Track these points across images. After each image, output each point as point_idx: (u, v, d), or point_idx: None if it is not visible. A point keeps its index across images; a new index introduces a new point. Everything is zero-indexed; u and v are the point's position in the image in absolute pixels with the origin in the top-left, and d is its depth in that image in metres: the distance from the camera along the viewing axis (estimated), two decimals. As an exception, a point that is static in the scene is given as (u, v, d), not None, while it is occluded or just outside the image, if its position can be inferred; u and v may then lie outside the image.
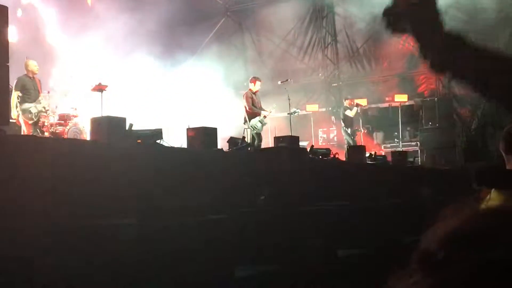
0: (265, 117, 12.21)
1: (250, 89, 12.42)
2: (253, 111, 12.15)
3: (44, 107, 11.26)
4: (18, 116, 10.77)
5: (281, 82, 12.82)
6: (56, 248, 4.56)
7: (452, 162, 14.68)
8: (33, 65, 11.24)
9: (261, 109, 12.32)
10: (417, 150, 16.54)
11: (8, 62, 5.66)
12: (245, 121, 12.23)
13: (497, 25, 15.43)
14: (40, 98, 11.19)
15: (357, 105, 14.92)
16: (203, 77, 18.68)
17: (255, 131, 12.09)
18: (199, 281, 5.51)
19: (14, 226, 4.45)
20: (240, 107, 12.84)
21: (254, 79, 12.47)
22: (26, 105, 10.86)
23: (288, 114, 12.83)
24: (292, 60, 20.38)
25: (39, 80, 11.46)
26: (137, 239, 5.22)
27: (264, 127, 12.40)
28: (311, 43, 20.42)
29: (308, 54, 20.45)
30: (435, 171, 12.84)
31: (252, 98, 12.24)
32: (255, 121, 12.06)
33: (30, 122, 10.91)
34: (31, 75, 11.16)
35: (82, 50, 16.39)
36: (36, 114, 10.96)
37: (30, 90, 11.01)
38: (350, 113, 14.69)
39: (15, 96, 10.65)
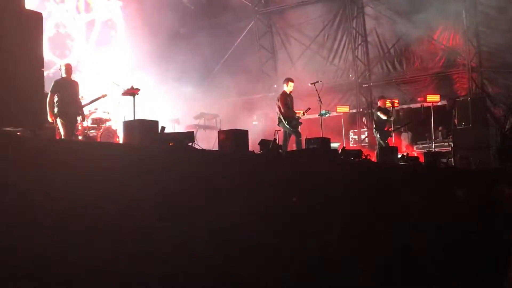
0: (299, 117, 12.27)
1: (284, 90, 12.46)
2: (289, 112, 12.21)
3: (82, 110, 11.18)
4: (55, 119, 10.51)
5: (311, 84, 12.75)
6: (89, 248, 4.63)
7: (486, 163, 14.42)
8: (69, 67, 11.06)
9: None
10: (450, 151, 16.30)
11: (43, 68, 5.77)
12: (280, 121, 12.24)
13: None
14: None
15: (392, 105, 14.78)
16: (233, 79, 18.75)
17: (293, 130, 12.12)
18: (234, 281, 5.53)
19: (53, 227, 4.53)
20: (272, 108, 12.82)
21: (288, 80, 12.51)
22: (65, 108, 10.60)
23: (318, 115, 12.77)
24: (322, 61, 20.28)
25: (77, 83, 11.22)
26: (171, 241, 5.26)
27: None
28: (341, 44, 20.29)
29: (338, 55, 20.33)
30: (469, 172, 12.64)
31: (287, 99, 12.30)
32: (292, 121, 12.14)
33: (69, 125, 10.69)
34: (68, 78, 10.96)
35: (114, 56, 16.74)
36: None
37: (68, 92, 10.75)
38: (382, 116, 14.53)
39: (51, 99, 10.51)
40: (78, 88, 11.12)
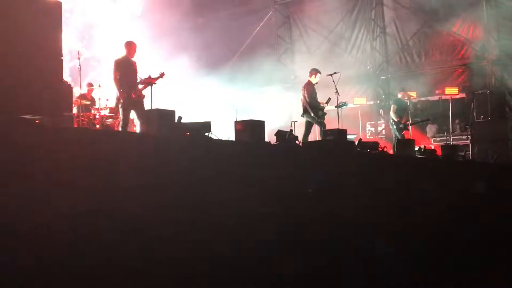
0: (323, 108, 12.29)
1: (309, 80, 12.45)
2: (316, 102, 12.22)
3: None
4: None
5: (328, 75, 12.69)
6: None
7: (504, 156, 14.29)
8: (130, 46, 10.36)
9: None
10: (468, 144, 16.17)
11: (62, 56, 5.79)
12: (305, 111, 12.22)
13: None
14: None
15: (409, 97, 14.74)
16: (250, 70, 18.72)
17: (319, 121, 12.11)
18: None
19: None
20: (289, 99, 12.74)
21: (315, 72, 12.50)
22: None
23: (336, 107, 12.71)
24: (340, 52, 20.13)
25: (136, 63, 10.53)
26: (189, 231, 5.29)
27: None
28: (359, 35, 20.13)
29: (356, 47, 20.17)
30: (487, 165, 12.52)
31: (313, 89, 12.31)
32: (318, 111, 12.15)
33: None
34: (128, 58, 10.30)
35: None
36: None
37: (127, 72, 10.16)
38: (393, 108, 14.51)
39: (115, 78, 10.04)
40: (136, 68, 10.45)
